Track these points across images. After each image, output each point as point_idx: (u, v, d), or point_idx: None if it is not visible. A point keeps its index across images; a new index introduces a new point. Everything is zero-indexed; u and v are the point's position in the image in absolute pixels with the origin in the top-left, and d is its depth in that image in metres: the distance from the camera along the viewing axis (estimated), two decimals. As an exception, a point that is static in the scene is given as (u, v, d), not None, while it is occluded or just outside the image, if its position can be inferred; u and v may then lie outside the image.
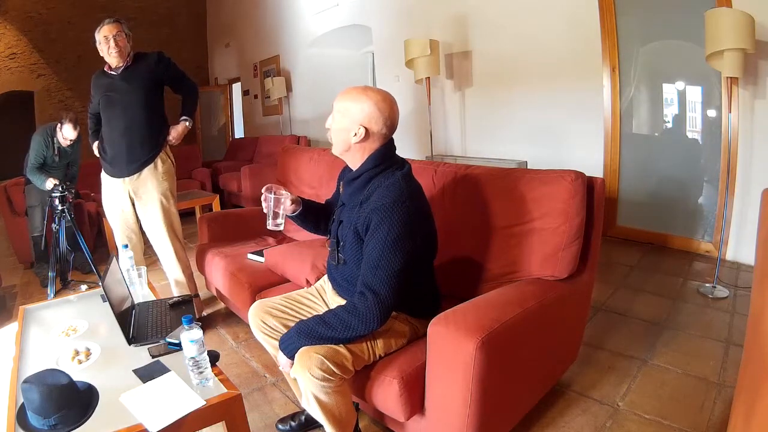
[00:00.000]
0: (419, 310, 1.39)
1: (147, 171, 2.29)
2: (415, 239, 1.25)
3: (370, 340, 1.29)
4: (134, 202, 2.35)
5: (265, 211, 1.43)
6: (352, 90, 1.30)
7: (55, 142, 3.05)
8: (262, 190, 1.43)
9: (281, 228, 1.46)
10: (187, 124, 2.40)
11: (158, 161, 2.31)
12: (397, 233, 1.20)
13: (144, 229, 2.41)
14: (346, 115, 1.28)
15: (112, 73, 2.24)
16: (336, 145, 1.33)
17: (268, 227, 1.44)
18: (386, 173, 1.30)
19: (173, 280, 2.46)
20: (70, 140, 3.03)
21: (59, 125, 3.00)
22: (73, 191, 2.98)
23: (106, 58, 2.20)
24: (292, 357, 1.23)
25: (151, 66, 2.27)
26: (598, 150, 3.38)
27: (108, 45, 2.15)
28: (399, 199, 1.22)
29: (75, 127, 2.99)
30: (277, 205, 1.43)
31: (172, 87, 2.41)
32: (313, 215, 1.54)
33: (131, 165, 2.28)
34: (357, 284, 1.25)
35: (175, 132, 2.37)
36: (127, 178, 2.29)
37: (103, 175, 2.36)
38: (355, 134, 1.27)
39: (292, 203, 1.47)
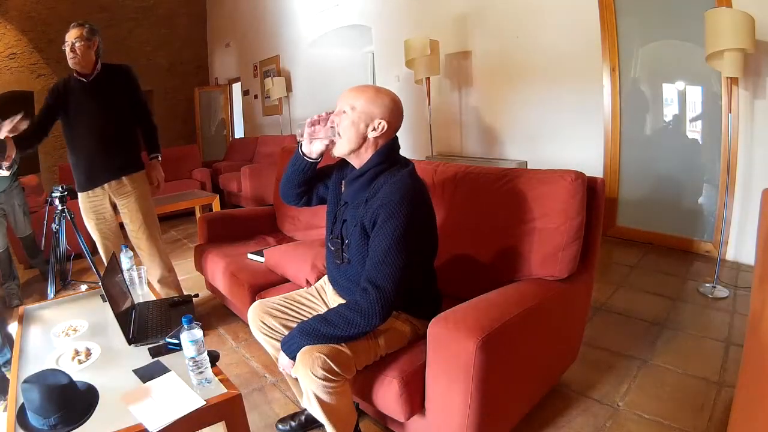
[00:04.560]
0: (420, 310, 1.40)
1: (126, 177, 2.31)
2: (421, 237, 1.27)
3: (372, 339, 1.29)
4: (115, 206, 2.36)
5: (309, 126, 1.33)
6: (366, 87, 1.31)
7: None
8: (325, 114, 1.34)
9: (302, 141, 1.37)
10: (159, 159, 2.43)
11: (136, 174, 2.34)
12: (404, 230, 1.20)
13: (128, 230, 2.40)
14: (364, 109, 1.27)
15: (83, 79, 2.17)
16: (347, 141, 1.29)
17: (300, 136, 1.36)
18: (392, 170, 1.30)
19: (157, 280, 2.43)
20: None
21: None
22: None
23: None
24: (293, 357, 1.23)
25: (123, 80, 2.26)
26: (598, 150, 3.38)
27: (65, 49, 2.10)
28: (407, 196, 1.23)
29: None
30: (320, 131, 1.33)
31: (133, 108, 2.32)
32: (310, 175, 1.46)
33: (109, 172, 2.27)
34: (360, 281, 1.25)
35: (158, 174, 2.40)
36: (106, 185, 2.29)
37: (79, 193, 2.33)
38: (374, 129, 1.28)
39: (323, 150, 1.38)
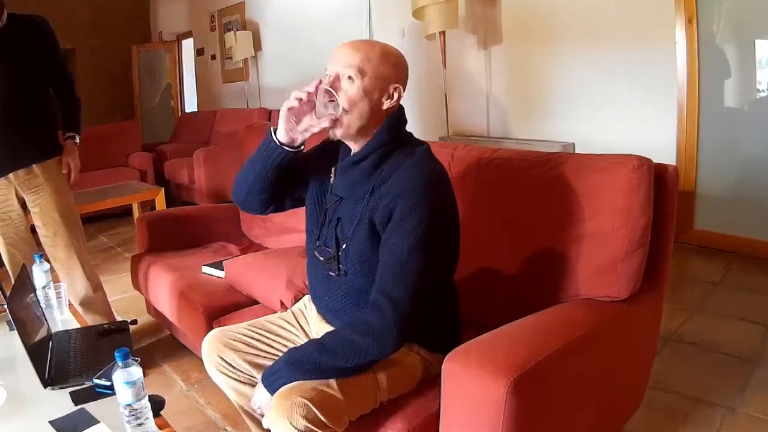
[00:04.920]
0: (435, 340, 1.39)
1: (38, 166, 2.28)
2: (448, 238, 1.29)
3: (371, 375, 1.29)
4: (25, 204, 2.34)
5: (291, 107, 1.26)
6: (370, 42, 1.31)
7: None
8: (316, 85, 1.25)
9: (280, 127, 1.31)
10: (77, 141, 2.42)
11: (51, 162, 2.32)
12: (429, 226, 1.20)
13: (41, 235, 2.39)
14: (377, 72, 1.26)
15: None
16: (359, 117, 1.26)
17: (287, 105, 1.27)
18: (403, 150, 1.31)
19: (80, 301, 2.42)
20: None
21: None
22: None
23: None
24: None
25: (36, 35, 2.23)
26: (670, 129, 3.40)
27: None
28: (432, 182, 1.24)
29: None
30: (307, 111, 1.26)
31: (48, 74, 2.31)
32: (286, 171, 1.38)
33: (15, 158, 2.25)
34: (372, 293, 1.24)
35: (72, 159, 2.37)
36: (11, 175, 2.26)
37: None
38: (389, 96, 1.29)
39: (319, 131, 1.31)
